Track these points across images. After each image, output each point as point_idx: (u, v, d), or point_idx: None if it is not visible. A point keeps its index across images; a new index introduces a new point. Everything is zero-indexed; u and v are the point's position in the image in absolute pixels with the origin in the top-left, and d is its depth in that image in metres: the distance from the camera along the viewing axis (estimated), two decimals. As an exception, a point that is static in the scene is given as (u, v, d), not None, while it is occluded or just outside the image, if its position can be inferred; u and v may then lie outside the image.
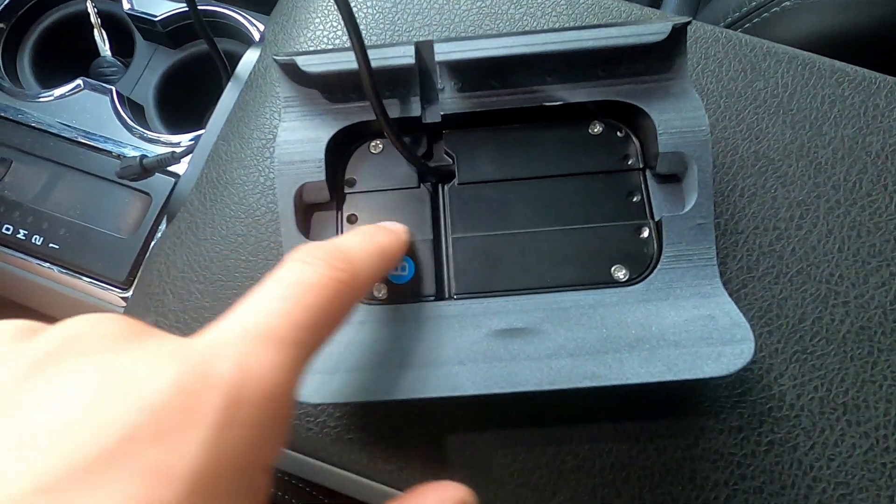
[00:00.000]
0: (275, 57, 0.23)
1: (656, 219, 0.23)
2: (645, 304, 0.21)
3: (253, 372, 0.13)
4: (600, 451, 0.24)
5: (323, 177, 0.23)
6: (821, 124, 0.28)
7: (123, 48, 0.58)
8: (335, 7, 0.21)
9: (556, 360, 0.20)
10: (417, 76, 0.23)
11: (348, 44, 0.21)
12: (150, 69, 0.55)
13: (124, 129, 0.48)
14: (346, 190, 0.25)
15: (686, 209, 0.22)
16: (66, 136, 0.48)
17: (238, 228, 0.28)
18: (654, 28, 0.22)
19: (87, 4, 0.57)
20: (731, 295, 0.25)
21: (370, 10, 0.32)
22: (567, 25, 0.31)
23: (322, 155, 0.23)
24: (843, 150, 0.27)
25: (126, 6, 0.53)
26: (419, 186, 0.24)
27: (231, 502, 0.12)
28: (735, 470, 0.23)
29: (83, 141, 0.47)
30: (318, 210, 0.25)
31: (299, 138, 0.24)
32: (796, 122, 0.28)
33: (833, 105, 0.28)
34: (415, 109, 0.24)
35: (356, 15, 0.32)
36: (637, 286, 0.22)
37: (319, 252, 0.16)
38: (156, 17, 0.52)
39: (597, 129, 0.25)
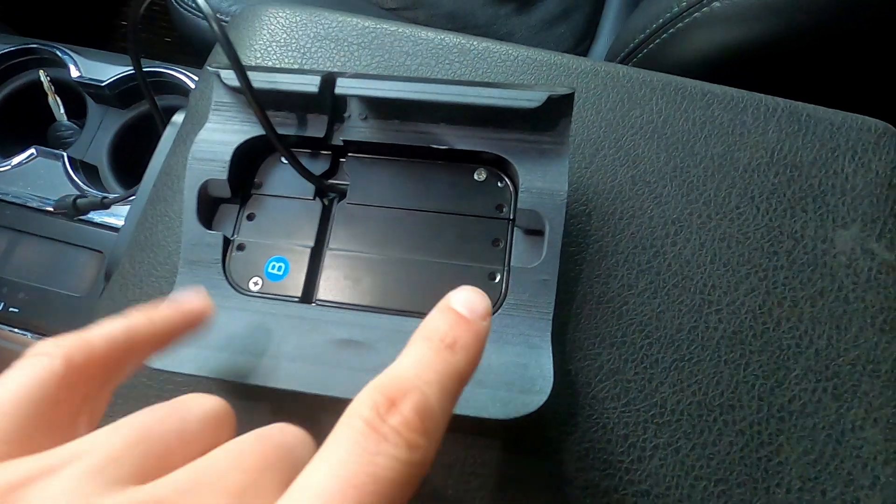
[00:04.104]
0: (208, 66, 0.27)
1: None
2: None
3: None
4: (496, 465, 0.25)
5: (225, 176, 0.26)
6: (692, 145, 0.30)
7: (78, 111, 0.60)
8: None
9: (373, 375, 0.22)
10: (329, 101, 0.26)
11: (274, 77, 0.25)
12: (102, 130, 0.58)
13: (77, 192, 0.51)
14: (253, 190, 0.28)
15: (535, 264, 0.24)
16: (22, 203, 0.50)
17: (164, 289, 0.30)
18: (531, 95, 0.24)
19: (40, 73, 0.60)
20: (612, 313, 0.27)
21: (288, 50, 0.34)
22: (461, 79, 0.33)
23: (228, 157, 0.26)
24: (713, 167, 0.30)
25: (75, 73, 0.56)
26: (314, 199, 0.27)
27: None
28: (623, 476, 0.25)
29: (38, 207, 0.50)
30: (224, 203, 0.28)
31: (214, 139, 0.27)
32: (670, 145, 0.30)
33: (704, 126, 0.31)
34: (320, 131, 0.27)
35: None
36: None
37: (397, 418, 0.13)
38: (103, 81, 0.55)
39: (482, 175, 0.27)
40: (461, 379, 0.15)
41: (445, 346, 0.15)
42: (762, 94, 0.32)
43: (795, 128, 0.30)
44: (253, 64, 0.35)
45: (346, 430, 0.13)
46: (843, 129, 0.30)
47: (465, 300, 0.17)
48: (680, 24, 0.42)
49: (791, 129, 0.30)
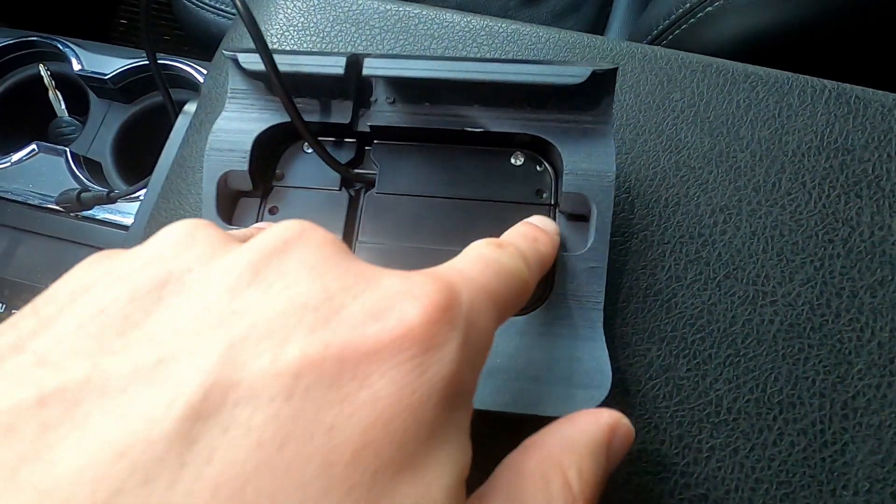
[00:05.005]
0: (223, 51, 0.25)
1: None
2: (522, 337, 0.21)
3: (479, 313, 0.14)
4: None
5: (246, 167, 0.24)
6: (738, 128, 0.29)
7: (79, 107, 0.59)
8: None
9: None
10: (354, 85, 0.24)
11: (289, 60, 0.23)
12: (105, 126, 0.56)
13: (81, 189, 0.49)
14: (274, 183, 0.26)
15: (582, 251, 0.22)
16: (23, 201, 0.48)
17: (180, 284, 0.29)
18: (574, 71, 0.22)
19: (40, 68, 0.58)
20: (661, 306, 0.26)
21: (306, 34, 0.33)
22: (497, 56, 0.32)
23: (249, 147, 0.25)
24: (761, 151, 0.28)
25: (77, 67, 0.54)
26: (340, 189, 0.25)
27: (461, 413, 0.13)
28: (679, 479, 0.23)
29: (40, 205, 0.48)
30: (244, 196, 0.26)
31: (232, 128, 0.25)
32: (714, 129, 0.29)
33: (748, 108, 0.29)
34: (345, 116, 0.25)
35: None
36: (519, 318, 0.22)
37: (520, 253, 0.17)
38: (106, 74, 0.53)
39: (519, 160, 0.25)
40: (543, 261, 0.19)
41: (530, 238, 0.19)
42: (807, 76, 0.30)
43: (845, 110, 0.29)
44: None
45: (471, 246, 0.17)
46: (895, 111, 0.29)
47: (540, 220, 0.21)
48: (710, 8, 0.41)
49: (840, 112, 0.29)
